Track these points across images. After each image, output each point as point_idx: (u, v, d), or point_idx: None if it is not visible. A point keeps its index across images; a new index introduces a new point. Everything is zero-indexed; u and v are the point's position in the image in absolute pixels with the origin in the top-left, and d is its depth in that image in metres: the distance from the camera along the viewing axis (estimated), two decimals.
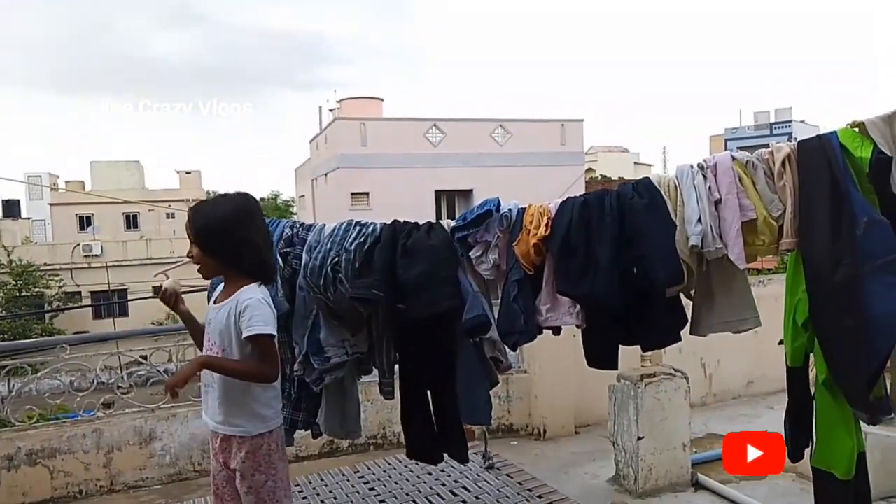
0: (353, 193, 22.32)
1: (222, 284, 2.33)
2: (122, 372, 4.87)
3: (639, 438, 3.93)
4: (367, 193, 22.34)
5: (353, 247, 2.76)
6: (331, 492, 3.96)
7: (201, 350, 2.37)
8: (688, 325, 2.78)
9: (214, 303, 2.29)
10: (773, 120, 41.27)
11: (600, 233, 2.58)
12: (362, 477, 4.15)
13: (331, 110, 26.85)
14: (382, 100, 26.52)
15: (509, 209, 2.76)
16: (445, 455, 3.18)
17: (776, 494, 3.90)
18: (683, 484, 4.03)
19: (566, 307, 2.69)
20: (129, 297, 26.05)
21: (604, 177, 33.31)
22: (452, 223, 2.85)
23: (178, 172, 42.89)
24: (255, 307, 2.13)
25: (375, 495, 3.87)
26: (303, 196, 31.13)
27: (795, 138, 2.58)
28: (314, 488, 4.02)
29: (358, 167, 22.13)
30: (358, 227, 2.85)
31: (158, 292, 2.33)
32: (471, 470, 4.08)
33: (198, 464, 4.60)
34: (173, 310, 2.38)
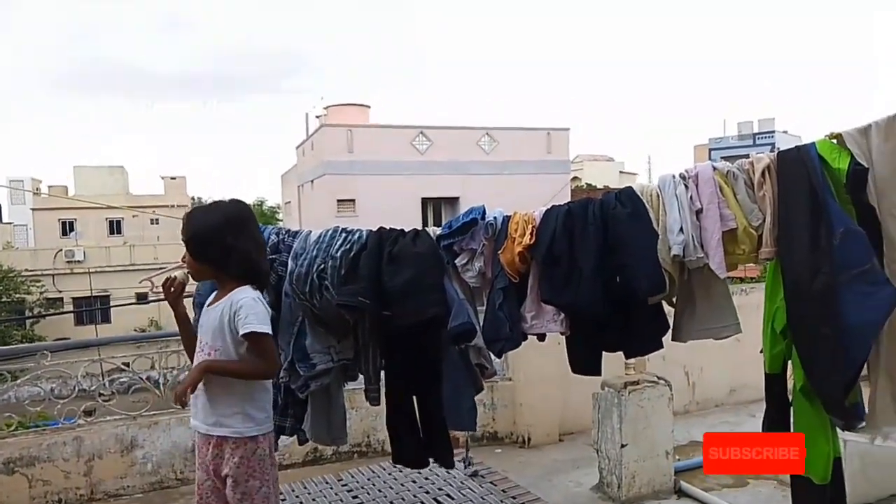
0: (339, 200, 22.21)
1: (214, 293, 2.34)
2: (103, 379, 4.82)
3: (622, 446, 3.96)
4: (353, 200, 22.26)
5: (339, 254, 2.77)
6: (314, 500, 3.95)
7: (190, 356, 2.37)
8: (670, 332, 2.81)
9: (207, 306, 2.31)
10: (756, 130, 41.68)
11: (584, 242, 2.60)
12: (346, 485, 4.14)
13: (317, 117, 26.79)
14: (369, 107, 26.49)
15: (494, 217, 2.77)
16: (430, 462, 3.19)
17: (758, 502, 3.95)
18: (666, 491, 4.06)
19: (551, 315, 2.71)
20: (112, 303, 25.78)
21: (589, 185, 33.43)
22: (438, 231, 2.86)
23: (162, 178, 42.52)
24: (249, 306, 2.18)
25: (359, 503, 3.86)
26: (289, 202, 30.97)
27: (778, 148, 2.61)
28: (297, 496, 4.00)
29: (344, 174, 22.07)
30: (344, 234, 2.86)
31: (168, 282, 2.31)
32: (454, 478, 4.08)
33: (180, 472, 4.56)
34: (173, 305, 2.37)
